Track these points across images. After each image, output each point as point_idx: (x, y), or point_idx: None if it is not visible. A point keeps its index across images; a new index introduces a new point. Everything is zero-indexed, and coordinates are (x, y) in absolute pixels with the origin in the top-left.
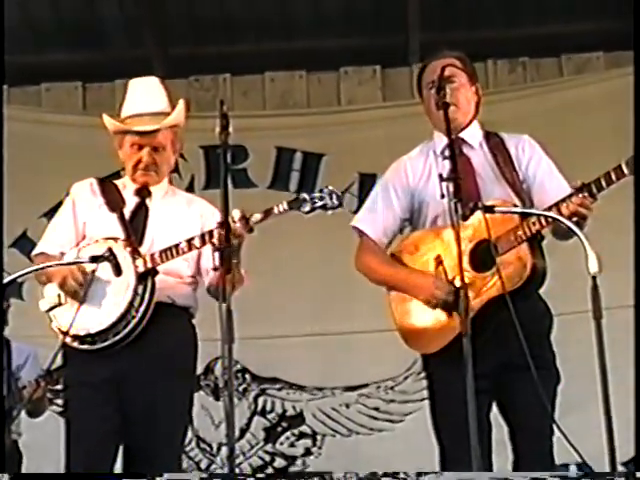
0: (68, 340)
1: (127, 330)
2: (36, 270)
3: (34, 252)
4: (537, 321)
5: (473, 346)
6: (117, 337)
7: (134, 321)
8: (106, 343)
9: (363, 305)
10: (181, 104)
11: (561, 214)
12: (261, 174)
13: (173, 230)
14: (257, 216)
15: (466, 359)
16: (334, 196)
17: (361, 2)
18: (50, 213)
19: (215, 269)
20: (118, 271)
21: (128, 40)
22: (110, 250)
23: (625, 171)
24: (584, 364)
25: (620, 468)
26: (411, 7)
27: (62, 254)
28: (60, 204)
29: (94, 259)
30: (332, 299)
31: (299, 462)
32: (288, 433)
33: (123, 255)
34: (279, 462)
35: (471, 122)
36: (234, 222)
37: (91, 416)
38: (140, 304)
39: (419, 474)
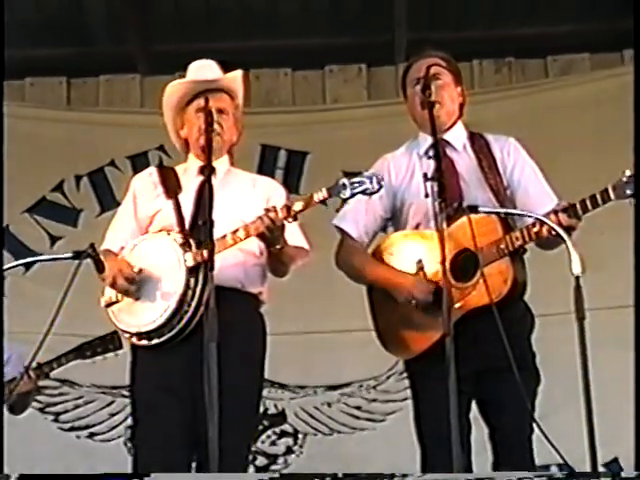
0: (126, 336)
1: (181, 325)
2: (15, 266)
3: (101, 248)
4: (517, 323)
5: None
6: (172, 332)
7: (187, 315)
8: (162, 339)
9: (346, 304)
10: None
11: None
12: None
13: (236, 212)
14: (299, 205)
15: (448, 361)
16: (374, 180)
17: (347, 0)
18: (33, 208)
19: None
20: (99, 268)
21: (113, 36)
22: (92, 246)
23: (612, 195)
24: (568, 365)
25: (601, 469)
26: (397, 6)
27: (122, 249)
28: (44, 199)
29: (76, 255)
30: (315, 298)
31: (280, 461)
32: (269, 432)
33: (174, 248)
34: (260, 461)
35: (455, 123)
36: (276, 211)
37: (161, 414)
38: (192, 297)
39: (404, 475)
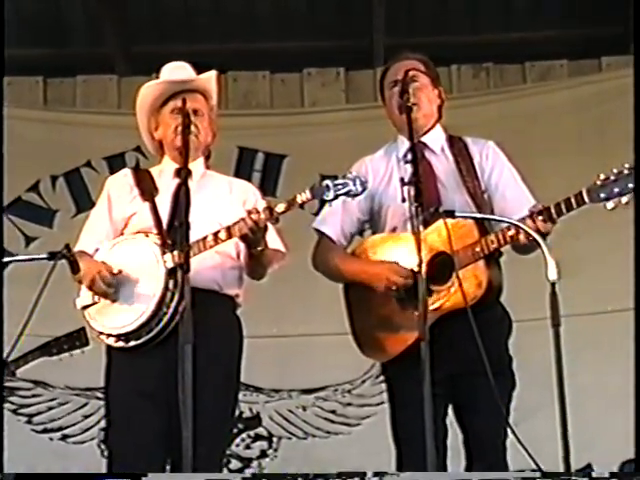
0: (103, 338)
1: (159, 327)
2: None
3: (75, 250)
4: (494, 326)
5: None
6: (150, 334)
7: (166, 317)
8: (140, 341)
9: (321, 307)
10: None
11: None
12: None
13: (212, 215)
14: (281, 207)
15: (423, 364)
16: (358, 182)
17: (326, 4)
18: (8, 208)
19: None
20: (74, 269)
21: (91, 36)
22: (67, 246)
23: (586, 199)
24: (545, 370)
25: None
26: (376, 10)
27: (97, 250)
28: (19, 199)
29: (51, 256)
30: (291, 301)
31: (255, 464)
32: (244, 435)
33: (153, 249)
34: (235, 464)
35: (434, 126)
36: (258, 213)
37: (136, 416)
38: (171, 299)
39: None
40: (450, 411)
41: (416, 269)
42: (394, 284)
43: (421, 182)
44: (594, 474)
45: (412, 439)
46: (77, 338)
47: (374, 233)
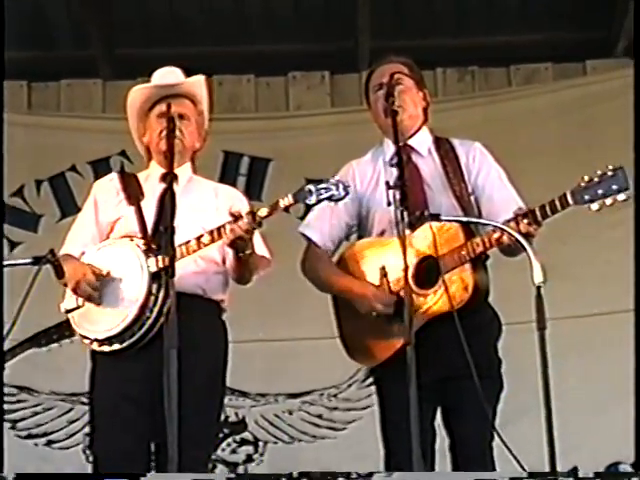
0: (87, 342)
1: (142, 331)
2: None
3: (60, 253)
4: (482, 330)
5: (417, 358)
6: (133, 338)
7: (149, 321)
8: (123, 345)
9: (307, 312)
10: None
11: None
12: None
13: (197, 220)
14: (264, 211)
15: (409, 368)
16: (340, 186)
17: (311, 7)
18: None
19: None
20: (59, 273)
21: (75, 40)
22: (52, 251)
23: (570, 201)
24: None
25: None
26: (361, 13)
27: (83, 254)
28: (3, 204)
29: (36, 260)
30: (276, 305)
31: (241, 469)
32: (230, 439)
33: (137, 254)
34: (221, 469)
35: (420, 128)
36: (241, 217)
37: (120, 420)
38: (155, 303)
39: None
40: (438, 415)
41: (402, 273)
42: (375, 310)
43: (406, 185)
44: (580, 474)
45: (400, 441)
46: (66, 328)
47: (362, 237)
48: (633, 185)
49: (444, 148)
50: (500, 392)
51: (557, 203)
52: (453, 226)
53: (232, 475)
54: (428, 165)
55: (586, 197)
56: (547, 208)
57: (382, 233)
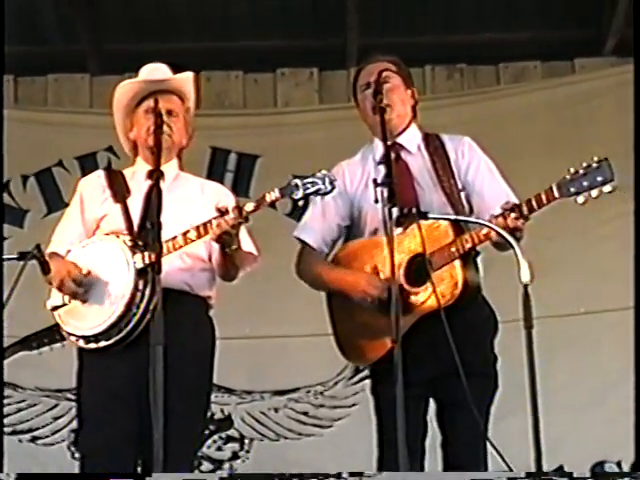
0: (73, 339)
1: (129, 328)
2: None
3: (47, 252)
4: (477, 327)
5: (411, 355)
6: (120, 335)
7: (136, 318)
8: (110, 341)
9: (294, 309)
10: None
11: (491, 234)
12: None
13: (184, 217)
14: (250, 206)
15: (396, 367)
16: (327, 180)
17: (299, 3)
18: None
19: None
20: (45, 269)
21: (62, 34)
22: (38, 247)
23: (556, 194)
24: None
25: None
26: (349, 10)
27: (69, 252)
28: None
29: (22, 256)
30: (263, 302)
31: (226, 466)
32: (216, 436)
33: (123, 250)
34: (206, 466)
35: (409, 126)
36: (227, 212)
37: (107, 417)
38: (141, 300)
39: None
40: (431, 412)
41: (389, 272)
42: (369, 296)
43: (394, 183)
44: (575, 474)
45: (393, 440)
46: (57, 331)
47: (355, 237)
48: (633, 184)
49: (434, 145)
50: (495, 390)
51: (543, 196)
52: (443, 224)
53: (224, 475)
54: (418, 162)
55: (572, 189)
56: (533, 202)
57: (375, 231)
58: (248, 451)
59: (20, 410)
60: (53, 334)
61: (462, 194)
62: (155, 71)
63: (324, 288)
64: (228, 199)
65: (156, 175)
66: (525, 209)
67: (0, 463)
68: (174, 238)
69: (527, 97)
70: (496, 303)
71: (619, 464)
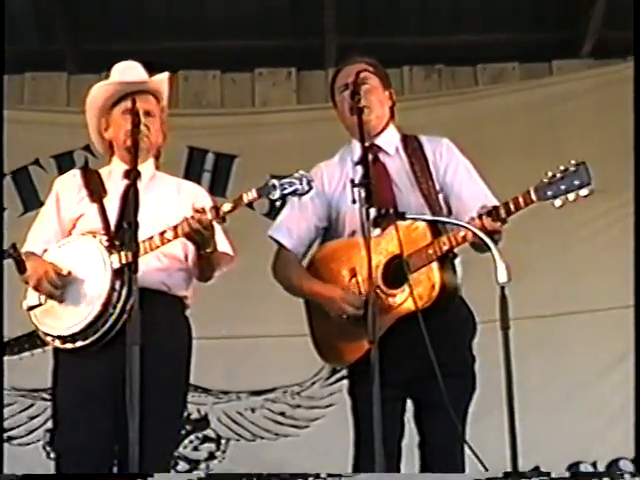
0: (49, 339)
1: (106, 328)
2: None
3: (22, 251)
4: (454, 328)
5: (388, 357)
6: (96, 335)
7: (112, 318)
8: (87, 342)
9: (271, 309)
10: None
11: (469, 235)
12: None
13: (160, 217)
14: (227, 206)
15: (372, 368)
16: (304, 180)
17: (277, 3)
18: None
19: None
20: (21, 268)
21: (40, 33)
22: (14, 246)
23: (533, 197)
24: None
25: None
26: (327, 10)
27: (45, 251)
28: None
29: None
30: (239, 302)
31: (202, 466)
32: (192, 437)
33: (100, 250)
34: (182, 466)
35: (387, 127)
36: (204, 212)
37: (83, 417)
38: (118, 300)
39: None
40: (409, 413)
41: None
42: (345, 313)
43: (372, 184)
44: (553, 475)
45: (370, 441)
46: (38, 336)
47: (333, 238)
48: (633, 184)
49: (412, 146)
50: (473, 391)
51: (521, 200)
52: (420, 225)
53: (202, 475)
54: (395, 164)
55: (549, 193)
56: (511, 205)
57: (353, 233)
58: (224, 451)
59: None
60: (34, 339)
61: (440, 195)
62: (129, 70)
63: (301, 297)
64: (204, 199)
65: (133, 175)
66: (503, 212)
67: (0, 463)
68: (151, 238)
69: (505, 98)
70: (473, 304)
71: (594, 464)
